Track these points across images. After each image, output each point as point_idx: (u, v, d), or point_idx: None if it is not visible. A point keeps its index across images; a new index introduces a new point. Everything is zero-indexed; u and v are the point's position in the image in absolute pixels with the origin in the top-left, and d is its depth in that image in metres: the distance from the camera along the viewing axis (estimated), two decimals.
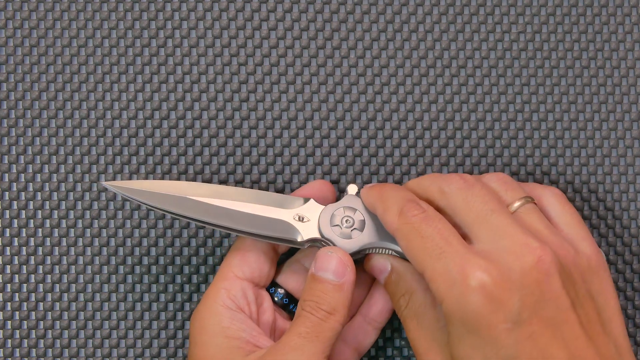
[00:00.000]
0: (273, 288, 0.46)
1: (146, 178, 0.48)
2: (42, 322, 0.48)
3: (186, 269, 0.49)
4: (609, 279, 0.42)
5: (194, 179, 0.48)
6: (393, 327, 0.49)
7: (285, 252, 0.47)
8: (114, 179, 0.48)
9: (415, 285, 0.43)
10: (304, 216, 0.44)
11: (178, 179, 0.49)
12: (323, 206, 0.44)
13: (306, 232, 0.44)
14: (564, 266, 0.40)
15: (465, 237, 0.41)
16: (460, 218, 0.41)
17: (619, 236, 0.49)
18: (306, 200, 0.44)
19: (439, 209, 0.42)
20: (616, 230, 0.49)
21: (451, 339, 0.40)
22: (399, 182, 0.49)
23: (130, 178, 0.48)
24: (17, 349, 0.48)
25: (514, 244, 0.39)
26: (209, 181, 0.49)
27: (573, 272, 0.40)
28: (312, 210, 0.44)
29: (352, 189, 0.45)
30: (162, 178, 0.49)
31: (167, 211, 0.43)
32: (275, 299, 0.45)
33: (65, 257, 0.48)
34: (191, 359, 0.43)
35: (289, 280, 0.46)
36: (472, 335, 0.39)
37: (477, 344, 0.39)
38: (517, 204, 0.42)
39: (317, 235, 0.44)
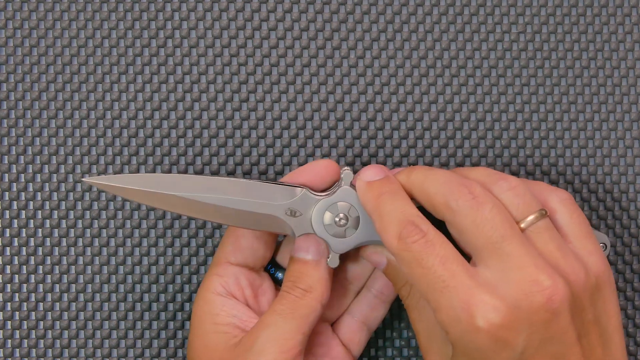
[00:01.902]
0: (274, 268, 0.46)
1: None
2: (42, 322, 0.48)
3: (186, 269, 0.49)
4: (612, 295, 0.41)
5: None
6: (393, 327, 0.49)
7: None
8: None
9: None
10: (297, 210, 0.43)
11: None
12: (317, 197, 0.43)
13: (299, 228, 0.43)
14: (574, 294, 0.39)
15: (469, 257, 0.40)
16: (468, 240, 0.39)
17: (619, 236, 0.49)
18: (301, 190, 0.43)
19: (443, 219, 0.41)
20: (616, 230, 0.49)
21: None
22: None
23: None
24: (17, 349, 0.48)
25: (523, 279, 0.38)
26: None
27: (582, 297, 0.39)
28: (306, 203, 0.43)
29: (347, 176, 0.43)
30: None
31: (154, 207, 0.43)
32: (278, 277, 0.45)
33: (65, 258, 0.48)
34: (188, 344, 0.44)
35: (287, 258, 0.46)
36: None
37: None
38: (530, 218, 0.40)
39: (310, 231, 0.44)
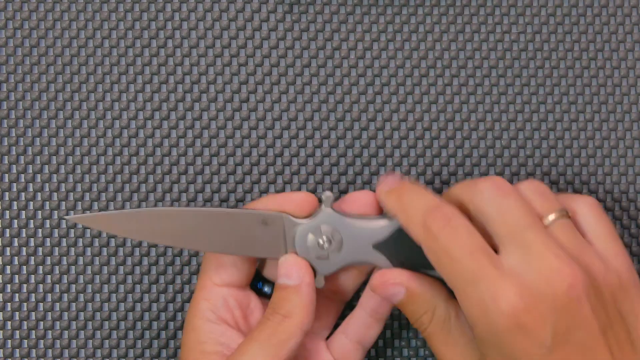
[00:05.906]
0: (261, 283, 0.46)
1: (146, 178, 0.48)
2: (42, 323, 0.48)
3: (186, 270, 0.49)
4: (639, 296, 0.41)
5: (194, 180, 0.48)
6: (393, 328, 0.49)
7: None
8: (113, 179, 0.48)
9: (436, 300, 0.43)
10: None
11: (178, 179, 0.48)
12: (298, 222, 0.43)
13: (275, 244, 0.44)
14: (595, 287, 0.40)
15: (494, 246, 0.40)
16: (493, 229, 0.40)
17: (619, 236, 0.49)
18: (280, 215, 0.43)
19: (468, 213, 0.41)
20: (616, 230, 0.49)
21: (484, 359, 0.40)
22: None
23: (130, 179, 0.48)
24: (17, 350, 0.48)
25: (545, 267, 0.39)
26: (209, 182, 0.49)
27: (604, 291, 0.40)
28: (287, 226, 0.43)
29: (327, 199, 0.43)
30: (162, 178, 0.48)
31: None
32: (266, 291, 0.45)
33: (65, 258, 0.48)
34: None
35: (274, 271, 0.46)
36: (506, 359, 0.39)
37: None
38: (551, 217, 0.41)
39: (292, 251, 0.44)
